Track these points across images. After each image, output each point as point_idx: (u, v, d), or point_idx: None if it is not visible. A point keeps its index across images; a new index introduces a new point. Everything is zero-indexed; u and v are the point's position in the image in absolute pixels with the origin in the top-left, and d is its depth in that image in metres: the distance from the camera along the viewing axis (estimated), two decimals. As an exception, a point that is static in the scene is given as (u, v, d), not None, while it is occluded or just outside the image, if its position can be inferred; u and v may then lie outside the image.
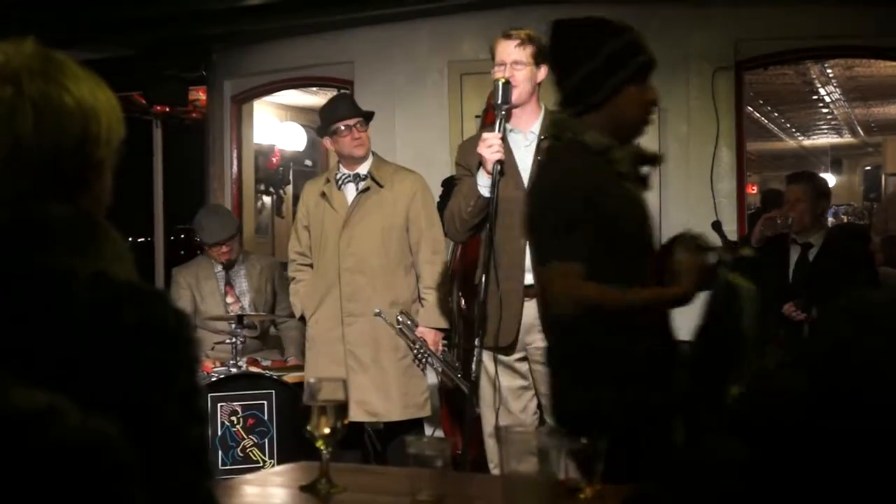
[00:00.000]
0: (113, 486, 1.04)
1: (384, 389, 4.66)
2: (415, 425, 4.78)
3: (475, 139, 4.08)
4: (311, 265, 4.89)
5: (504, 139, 3.74)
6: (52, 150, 1.31)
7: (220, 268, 5.70)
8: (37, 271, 1.24)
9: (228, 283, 5.72)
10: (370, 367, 4.66)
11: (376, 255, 4.69)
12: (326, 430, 2.14)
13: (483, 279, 3.63)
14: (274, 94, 8.09)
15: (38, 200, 1.29)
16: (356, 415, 4.53)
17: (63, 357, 1.19)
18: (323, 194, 4.81)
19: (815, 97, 10.16)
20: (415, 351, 4.66)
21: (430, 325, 4.68)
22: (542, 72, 3.87)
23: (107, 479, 1.03)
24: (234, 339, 5.12)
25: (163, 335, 1.26)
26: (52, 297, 1.22)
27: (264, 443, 4.88)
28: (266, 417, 4.88)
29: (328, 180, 4.85)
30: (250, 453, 4.86)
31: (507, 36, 3.85)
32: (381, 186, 4.72)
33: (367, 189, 4.73)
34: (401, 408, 4.69)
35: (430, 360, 4.67)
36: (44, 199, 1.30)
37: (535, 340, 3.82)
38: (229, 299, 5.69)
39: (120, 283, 1.27)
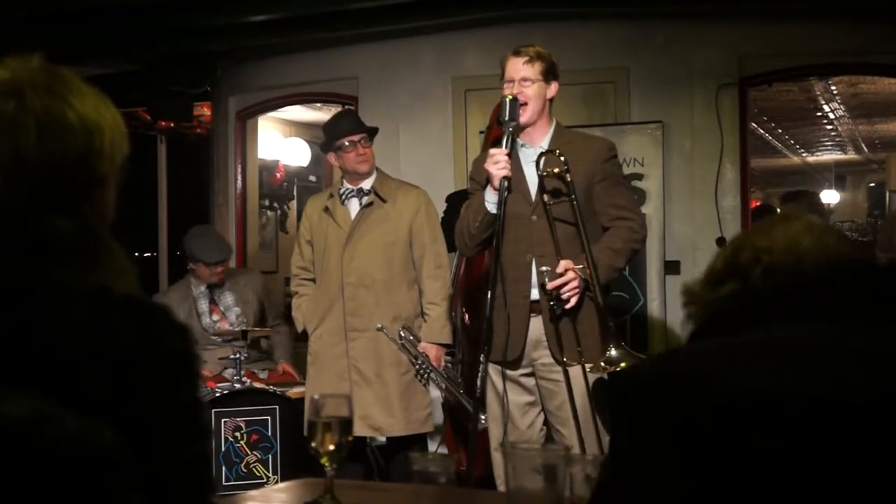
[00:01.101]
0: (109, 489, 1.04)
1: (387, 404, 4.65)
2: (417, 440, 4.78)
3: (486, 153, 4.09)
4: (313, 280, 4.89)
5: (514, 155, 3.74)
6: (55, 165, 1.31)
7: (202, 288, 5.73)
8: (39, 285, 1.24)
9: (213, 302, 5.74)
10: (373, 381, 4.65)
11: (379, 270, 4.69)
12: (331, 447, 2.14)
13: (490, 295, 3.62)
14: (278, 110, 8.10)
15: (40, 214, 1.30)
16: (359, 429, 4.52)
17: (65, 373, 1.18)
18: (326, 209, 4.81)
19: (818, 114, 10.16)
20: (417, 366, 4.66)
21: (432, 341, 4.68)
22: (553, 88, 3.86)
23: (103, 482, 1.03)
24: (237, 355, 5.12)
25: (165, 350, 1.26)
26: (53, 312, 1.22)
27: (268, 458, 4.87)
28: (270, 433, 4.87)
29: (332, 195, 4.85)
30: (254, 469, 4.85)
31: (517, 52, 3.84)
32: (384, 202, 4.73)
33: (370, 204, 4.73)
34: (403, 423, 4.68)
35: (432, 375, 4.66)
36: (46, 212, 1.30)
37: (542, 356, 3.81)
38: (215, 317, 5.71)
39: (123, 298, 1.27)
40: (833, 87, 8.72)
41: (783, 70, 6.32)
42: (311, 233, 4.88)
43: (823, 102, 9.45)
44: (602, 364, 3.59)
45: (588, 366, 3.70)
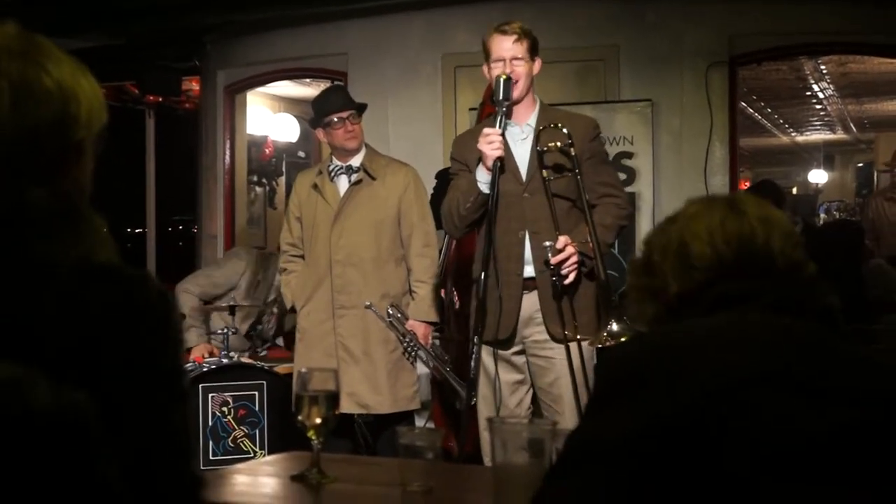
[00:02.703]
0: (81, 455, 1.04)
1: (374, 382, 4.65)
2: (405, 417, 4.78)
3: (470, 133, 4.07)
4: (302, 256, 4.88)
5: (502, 133, 3.74)
6: (30, 131, 1.30)
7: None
8: (16, 256, 1.23)
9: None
10: (361, 359, 4.65)
11: (368, 247, 4.68)
12: (318, 420, 2.15)
13: (482, 275, 3.62)
14: (267, 85, 8.08)
15: (15, 183, 1.28)
16: (346, 406, 4.53)
17: (43, 338, 1.18)
18: (315, 186, 4.79)
19: (808, 93, 10.17)
20: (405, 344, 4.66)
21: (420, 319, 4.67)
22: (537, 65, 3.86)
23: (75, 448, 1.04)
24: (225, 330, 5.12)
25: (145, 315, 1.25)
26: (30, 282, 1.22)
27: (255, 433, 4.88)
28: (257, 408, 4.88)
29: (320, 172, 4.83)
30: (241, 444, 4.86)
31: (502, 31, 3.81)
32: (373, 179, 4.71)
33: (359, 181, 4.72)
34: (390, 400, 4.68)
35: (419, 353, 4.67)
36: (22, 181, 1.29)
37: (533, 333, 3.82)
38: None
39: (102, 265, 1.27)
40: (823, 67, 8.73)
41: (773, 49, 6.33)
42: (299, 209, 4.87)
43: (813, 82, 9.46)
44: (604, 337, 3.61)
45: (587, 340, 3.73)
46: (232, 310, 5.28)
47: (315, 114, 4.76)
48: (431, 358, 4.69)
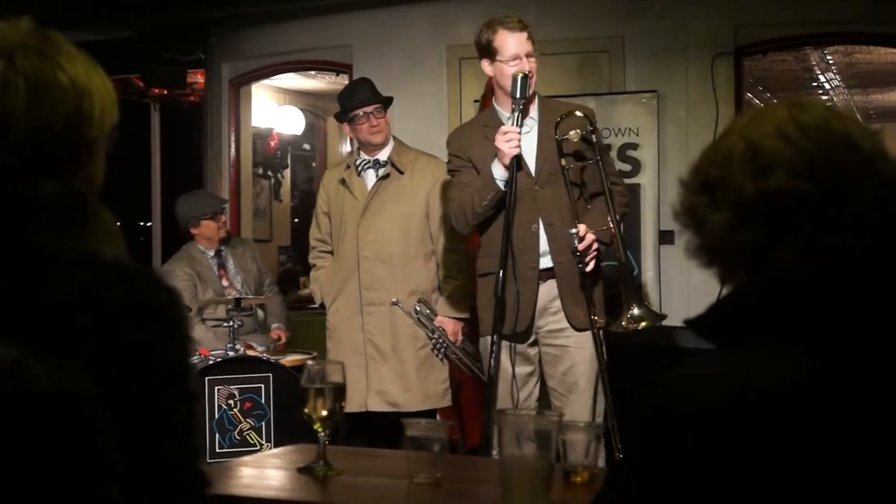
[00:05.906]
0: (82, 439, 1.04)
1: (403, 380, 4.60)
2: (432, 415, 4.70)
3: (466, 127, 4.10)
4: (331, 252, 4.84)
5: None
6: (44, 127, 1.30)
7: (211, 253, 5.69)
8: (24, 249, 1.24)
9: (222, 266, 5.71)
10: (390, 356, 4.61)
11: (396, 243, 4.63)
12: (324, 413, 2.15)
13: (500, 272, 3.62)
14: (272, 78, 8.06)
15: (27, 177, 1.29)
16: (376, 405, 4.52)
17: (50, 334, 1.18)
18: (343, 181, 4.74)
19: (814, 84, 10.14)
20: (433, 341, 4.63)
21: (449, 315, 4.60)
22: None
23: (75, 432, 1.04)
24: (231, 323, 5.11)
25: (152, 312, 1.26)
26: (39, 275, 1.22)
27: (261, 426, 4.88)
28: (263, 400, 4.88)
29: (348, 166, 4.79)
30: (247, 436, 4.86)
31: (511, 28, 3.82)
32: (401, 173, 4.65)
33: (386, 175, 4.67)
34: (420, 398, 4.61)
35: (448, 350, 4.63)
36: (34, 176, 1.29)
37: (548, 323, 3.83)
38: (224, 283, 5.68)
39: (109, 261, 1.27)
40: (829, 57, 8.70)
41: (779, 39, 6.30)
42: (328, 204, 4.81)
43: (819, 72, 9.43)
44: (627, 320, 3.63)
45: (600, 323, 3.78)
46: (238, 303, 5.28)
47: (341, 109, 4.71)
48: (462, 354, 4.61)
